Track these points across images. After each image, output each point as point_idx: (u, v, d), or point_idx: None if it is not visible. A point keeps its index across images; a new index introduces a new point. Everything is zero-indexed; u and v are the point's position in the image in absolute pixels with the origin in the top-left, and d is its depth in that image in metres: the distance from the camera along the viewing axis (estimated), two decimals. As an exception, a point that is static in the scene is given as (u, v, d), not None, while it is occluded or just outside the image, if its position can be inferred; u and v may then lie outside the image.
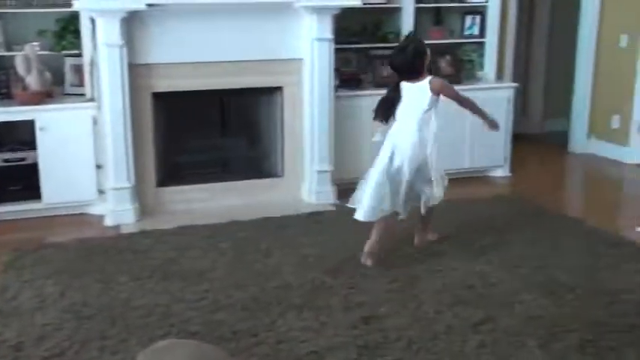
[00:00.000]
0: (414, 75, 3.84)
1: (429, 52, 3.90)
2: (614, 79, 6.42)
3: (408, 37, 4.23)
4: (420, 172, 3.90)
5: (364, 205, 3.87)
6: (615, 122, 6.44)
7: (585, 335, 3.06)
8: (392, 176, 3.86)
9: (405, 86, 3.89)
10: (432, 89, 3.81)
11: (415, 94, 3.86)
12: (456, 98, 3.93)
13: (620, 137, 6.38)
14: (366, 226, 4.42)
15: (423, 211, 4.01)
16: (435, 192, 3.93)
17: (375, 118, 4.00)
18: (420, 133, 3.85)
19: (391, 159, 3.86)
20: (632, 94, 6.21)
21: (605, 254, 4.03)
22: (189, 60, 4.75)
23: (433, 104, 3.85)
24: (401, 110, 3.91)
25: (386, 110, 3.94)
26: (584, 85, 6.65)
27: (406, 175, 3.85)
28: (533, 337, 3.06)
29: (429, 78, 3.84)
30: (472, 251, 4.07)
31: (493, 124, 4.11)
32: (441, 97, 3.88)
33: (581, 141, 6.72)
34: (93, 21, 4.56)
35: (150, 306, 3.36)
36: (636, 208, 5.05)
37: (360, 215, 3.89)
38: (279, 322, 3.20)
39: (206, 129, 5.25)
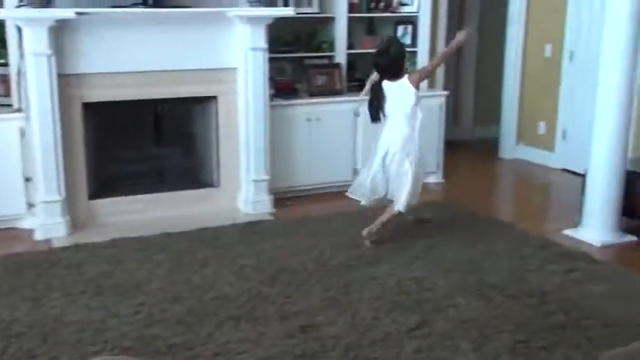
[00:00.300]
0: (396, 74, 4.17)
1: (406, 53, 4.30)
2: (539, 87, 6.65)
3: (389, 39, 4.53)
4: (405, 153, 4.20)
5: (366, 195, 4.36)
6: (541, 129, 6.67)
7: (517, 336, 3.16)
8: (385, 170, 4.26)
9: (387, 85, 4.19)
10: (412, 83, 4.16)
11: (398, 91, 4.18)
12: (434, 69, 4.32)
13: (546, 143, 6.60)
14: (302, 235, 4.47)
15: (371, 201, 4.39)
16: (401, 194, 4.20)
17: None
18: (410, 128, 4.19)
19: (384, 158, 4.23)
20: (556, 101, 6.44)
21: (534, 256, 4.16)
22: (121, 70, 4.67)
23: (418, 98, 4.19)
24: (389, 108, 4.23)
25: (375, 111, 4.27)
26: (512, 93, 6.87)
27: (395, 162, 4.20)
28: (466, 340, 3.13)
29: (406, 76, 4.19)
30: (407, 257, 4.14)
31: (463, 36, 4.24)
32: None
33: (509, 147, 6.93)
34: (19, 30, 4.44)
35: (83, 322, 3.28)
36: (562, 211, 5.23)
37: (363, 202, 4.40)
38: (216, 334, 3.18)
39: (140, 139, 5.17)
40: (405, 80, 4.17)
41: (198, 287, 3.69)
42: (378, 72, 4.25)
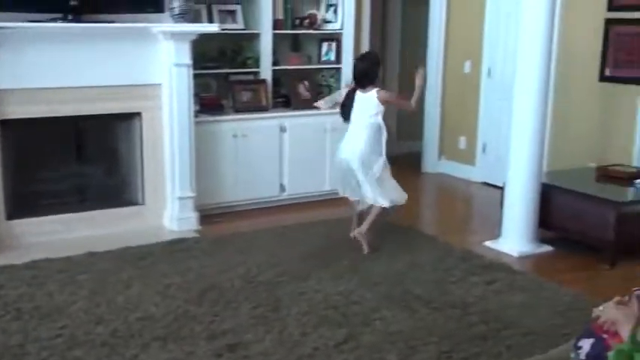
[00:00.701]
0: (368, 81, 4.45)
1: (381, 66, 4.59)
2: (460, 102, 6.85)
3: (368, 50, 5.22)
4: (366, 169, 4.42)
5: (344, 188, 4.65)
6: (462, 143, 6.87)
7: (442, 347, 3.24)
8: (344, 171, 4.53)
9: (358, 95, 4.49)
10: (379, 98, 4.42)
11: (364, 102, 4.45)
12: (400, 106, 4.66)
13: (467, 157, 6.81)
14: (229, 252, 4.44)
15: (361, 206, 4.63)
16: (369, 194, 4.44)
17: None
18: (368, 144, 4.41)
19: (346, 160, 4.48)
20: (476, 116, 6.66)
21: (456, 268, 4.28)
22: (42, 85, 4.55)
23: (380, 113, 4.44)
24: (353, 116, 4.51)
25: (345, 111, 4.58)
26: (434, 108, 7.05)
27: (354, 168, 4.43)
28: (393, 352, 3.19)
29: (375, 89, 4.44)
30: (334, 271, 4.18)
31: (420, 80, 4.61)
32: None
33: (432, 161, 7.10)
34: None
35: (0, 347, 3.16)
36: (483, 223, 5.39)
37: (347, 195, 4.68)
38: (142, 355, 3.12)
39: (61, 157, 5.03)
40: (373, 92, 4.43)
41: (123, 308, 3.62)
42: (355, 77, 4.54)
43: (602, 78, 5.46)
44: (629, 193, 4.69)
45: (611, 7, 5.35)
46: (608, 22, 5.37)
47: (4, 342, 3.21)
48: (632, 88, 5.20)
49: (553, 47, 4.63)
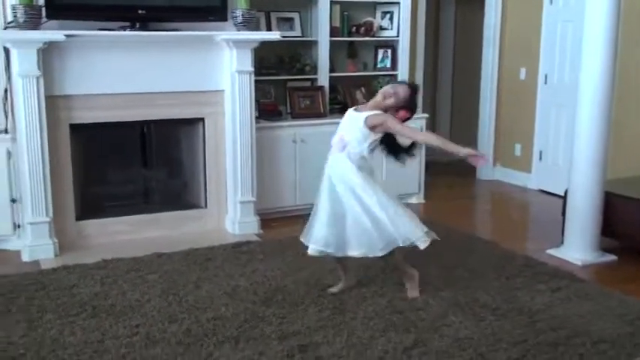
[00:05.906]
0: None
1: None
2: (515, 109, 6.82)
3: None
4: None
5: None
6: (518, 150, 6.83)
7: (511, 354, 3.23)
8: None
9: None
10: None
11: None
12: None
13: (523, 164, 6.77)
14: (292, 256, 4.49)
15: None
16: None
17: None
18: None
19: None
20: (532, 123, 6.62)
21: (520, 275, 4.26)
22: (110, 91, 4.70)
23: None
24: None
25: None
26: (489, 115, 7.03)
27: None
28: (462, 358, 3.20)
29: None
30: (395, 277, 4.19)
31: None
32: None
33: (487, 168, 7.07)
34: (7, 50, 4.44)
35: (81, 343, 3.27)
36: (542, 231, 5.35)
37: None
38: (216, 354, 3.19)
39: (127, 161, 5.19)
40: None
41: (195, 308, 3.70)
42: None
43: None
44: (696, 202, 4.61)
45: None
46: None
47: (84, 338, 3.32)
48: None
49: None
